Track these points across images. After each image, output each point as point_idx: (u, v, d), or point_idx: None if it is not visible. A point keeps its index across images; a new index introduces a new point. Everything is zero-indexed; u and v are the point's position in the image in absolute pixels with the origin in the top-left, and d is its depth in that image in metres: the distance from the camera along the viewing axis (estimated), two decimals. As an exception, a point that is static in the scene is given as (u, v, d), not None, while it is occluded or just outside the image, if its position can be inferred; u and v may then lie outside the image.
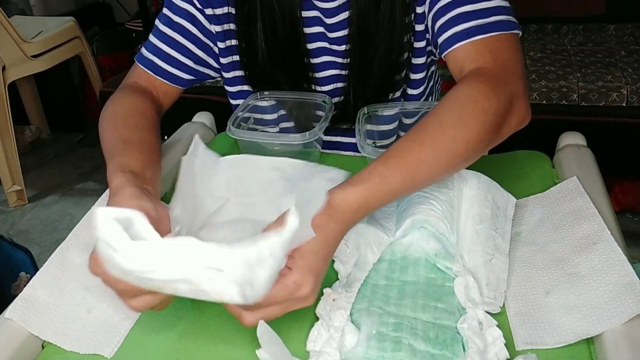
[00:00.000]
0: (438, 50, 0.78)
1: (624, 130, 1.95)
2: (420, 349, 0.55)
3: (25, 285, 0.66)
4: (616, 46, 2.33)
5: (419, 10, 0.81)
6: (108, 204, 0.61)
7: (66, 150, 2.68)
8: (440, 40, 0.75)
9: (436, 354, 0.54)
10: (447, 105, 0.64)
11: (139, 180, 0.63)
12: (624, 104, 1.96)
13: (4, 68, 2.11)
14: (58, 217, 2.20)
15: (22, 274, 1.41)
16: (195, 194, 0.70)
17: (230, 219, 0.69)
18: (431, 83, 0.94)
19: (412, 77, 0.88)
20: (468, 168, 0.68)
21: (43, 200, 2.31)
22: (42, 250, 1.96)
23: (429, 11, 0.79)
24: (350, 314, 0.59)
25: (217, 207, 0.70)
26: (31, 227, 2.16)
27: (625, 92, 1.96)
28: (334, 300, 0.60)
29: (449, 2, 0.75)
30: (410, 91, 0.90)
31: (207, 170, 0.73)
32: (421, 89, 0.90)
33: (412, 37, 0.84)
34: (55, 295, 0.66)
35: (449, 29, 0.74)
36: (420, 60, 0.87)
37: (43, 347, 0.63)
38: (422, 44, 0.85)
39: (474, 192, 0.70)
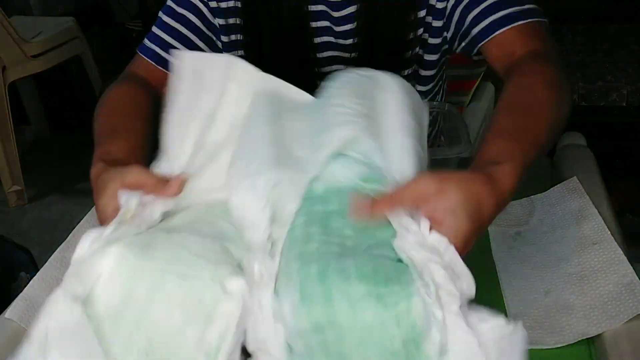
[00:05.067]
0: (468, 41, 0.79)
1: (624, 130, 1.95)
2: (360, 295, 0.43)
3: (25, 285, 0.66)
4: (616, 46, 2.33)
5: (440, 5, 0.81)
6: (94, 196, 0.60)
7: (66, 150, 2.68)
8: (477, 29, 0.77)
9: (382, 294, 0.43)
10: (537, 83, 0.66)
11: (121, 166, 0.61)
12: (624, 104, 1.96)
13: (4, 68, 2.11)
14: (58, 217, 2.19)
15: (22, 274, 1.41)
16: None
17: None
18: (440, 82, 0.94)
19: (422, 74, 0.88)
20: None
21: (43, 200, 2.31)
22: (42, 250, 1.95)
23: (457, 4, 0.79)
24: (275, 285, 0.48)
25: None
26: (31, 227, 2.15)
27: (625, 92, 1.96)
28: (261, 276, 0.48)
29: None
30: (418, 87, 0.90)
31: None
32: (430, 85, 0.90)
33: (427, 34, 0.84)
34: (55, 295, 0.65)
35: (488, 16, 0.76)
36: (433, 57, 0.87)
37: (43, 347, 0.62)
38: (437, 40, 0.85)
39: (396, 99, 0.60)
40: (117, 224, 0.52)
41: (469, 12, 0.78)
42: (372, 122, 0.57)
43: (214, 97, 0.62)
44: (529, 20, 0.75)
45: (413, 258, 0.45)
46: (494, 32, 0.75)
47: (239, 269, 0.50)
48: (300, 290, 0.44)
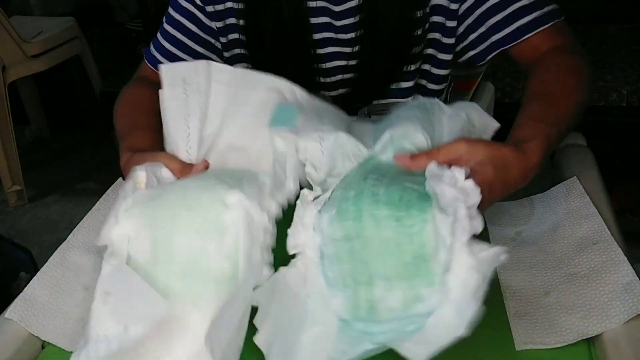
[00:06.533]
0: (486, 46, 0.81)
1: (624, 130, 1.95)
2: (383, 216, 0.51)
3: (25, 285, 0.66)
4: (616, 46, 2.33)
5: (453, 7, 0.82)
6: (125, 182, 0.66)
7: (66, 150, 2.68)
8: (501, 34, 0.79)
9: (401, 216, 0.51)
10: (561, 72, 0.73)
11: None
12: (624, 104, 1.96)
13: (4, 68, 2.11)
14: (58, 217, 2.20)
15: (22, 274, 1.41)
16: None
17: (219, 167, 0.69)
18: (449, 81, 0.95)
19: (435, 72, 0.89)
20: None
21: (43, 200, 2.31)
22: (42, 250, 1.95)
23: (475, 8, 0.80)
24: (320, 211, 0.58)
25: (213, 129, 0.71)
26: (31, 227, 2.15)
27: (625, 92, 1.96)
28: (312, 200, 0.60)
29: (503, 0, 0.79)
30: (431, 86, 0.91)
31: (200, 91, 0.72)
32: (443, 85, 0.92)
33: (439, 33, 0.85)
34: (55, 295, 0.66)
35: (512, 23, 0.78)
36: (447, 57, 0.88)
37: (43, 347, 0.63)
38: (451, 40, 0.85)
39: (448, 112, 0.67)
40: (132, 193, 0.59)
41: (490, 17, 0.79)
42: (428, 122, 0.64)
43: (202, 97, 0.70)
44: (554, 22, 0.78)
45: (441, 193, 0.51)
46: (519, 38, 0.78)
47: (238, 184, 0.58)
48: (337, 208, 0.54)
